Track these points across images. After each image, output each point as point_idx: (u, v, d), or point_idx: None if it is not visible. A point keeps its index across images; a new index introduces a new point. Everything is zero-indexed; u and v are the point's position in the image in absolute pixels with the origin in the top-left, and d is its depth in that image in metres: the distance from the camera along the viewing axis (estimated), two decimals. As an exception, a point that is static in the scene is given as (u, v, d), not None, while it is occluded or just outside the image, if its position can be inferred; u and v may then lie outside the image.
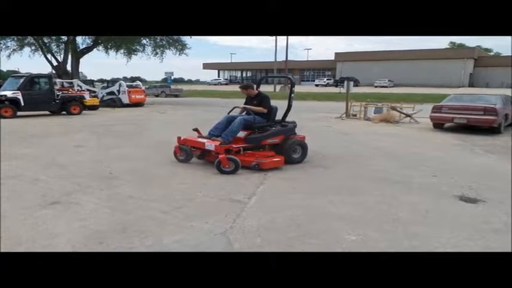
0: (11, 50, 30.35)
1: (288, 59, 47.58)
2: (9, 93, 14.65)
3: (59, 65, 30.14)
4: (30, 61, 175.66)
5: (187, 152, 6.33)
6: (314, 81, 63.91)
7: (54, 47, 31.58)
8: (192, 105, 22.01)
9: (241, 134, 6.13)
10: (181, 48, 30.67)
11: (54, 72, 30.88)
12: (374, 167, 6.33)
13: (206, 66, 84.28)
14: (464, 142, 9.17)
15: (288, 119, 6.75)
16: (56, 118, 14.69)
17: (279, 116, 6.69)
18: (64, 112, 15.94)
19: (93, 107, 18.59)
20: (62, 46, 31.03)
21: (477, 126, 10.63)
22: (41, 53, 30.30)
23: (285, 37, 47.04)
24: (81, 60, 30.03)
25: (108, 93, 22.35)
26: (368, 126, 12.50)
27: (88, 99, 18.40)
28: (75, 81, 23.97)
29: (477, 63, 56.91)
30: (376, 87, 50.07)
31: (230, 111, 6.64)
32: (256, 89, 6.81)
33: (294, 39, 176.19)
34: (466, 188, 5.00)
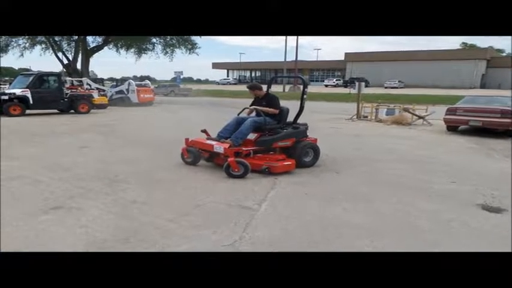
0: (23, 48, 30.49)
1: (298, 59, 47.27)
2: (18, 92, 14.64)
3: (69, 64, 30.23)
4: (42, 59, 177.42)
5: (195, 154, 6.13)
6: (323, 81, 63.54)
7: (65, 46, 31.71)
8: (201, 105, 21.87)
9: (251, 136, 5.91)
10: (191, 47, 30.58)
11: (64, 70, 31.01)
12: (388, 171, 6.08)
13: (215, 65, 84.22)
14: (480, 146, 8.86)
15: (290, 119, 6.52)
16: (63, 117, 14.63)
17: (290, 117, 6.46)
18: (72, 111, 15.89)
19: (101, 106, 18.52)
20: (73, 45, 31.13)
21: (493, 129, 10.30)
22: (51, 51, 30.45)
23: (295, 37, 46.74)
24: (93, 59, 30.14)
25: (117, 92, 22.31)
26: (380, 128, 12.21)
27: (97, 98, 18.36)
28: (85, 80, 23.95)
29: (489, 64, 56.01)
30: (386, 88, 49.59)
31: (240, 113, 6.42)
32: (267, 90, 6.57)
33: (303, 39, 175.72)
34: (488, 196, 4.73)
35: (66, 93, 16.07)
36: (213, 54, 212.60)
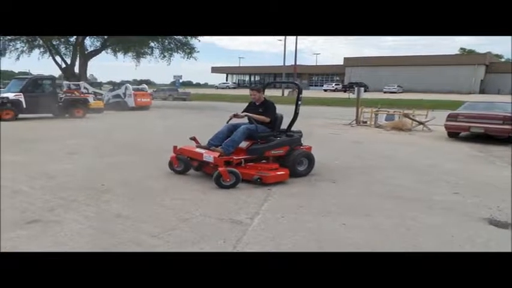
0: (20, 51, 30.26)
1: (297, 63, 47.10)
2: (11, 96, 14.39)
3: (67, 67, 30.04)
4: (42, 63, 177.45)
5: (185, 162, 5.84)
6: (322, 86, 63.43)
7: (62, 49, 31.53)
8: (198, 109, 21.64)
9: (243, 144, 5.63)
10: (190, 51, 30.39)
11: (62, 74, 30.83)
12: (388, 180, 5.82)
13: (215, 70, 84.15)
14: (483, 153, 8.62)
15: (294, 126, 6.25)
16: (57, 121, 14.36)
17: (284, 124, 6.20)
18: (67, 115, 15.62)
19: (97, 110, 18.26)
20: (70, 48, 30.94)
21: (495, 136, 10.06)
22: (49, 55, 30.22)
23: (294, 41, 46.60)
24: (93, 62, 30.00)
25: (114, 96, 22.08)
26: (379, 134, 11.97)
27: (92, 102, 18.10)
28: (82, 84, 23.75)
29: (488, 69, 55.96)
30: (385, 92, 49.48)
31: (229, 120, 6.02)
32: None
33: (302, 44, 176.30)
34: (494, 209, 4.46)
35: (61, 98, 15.81)
36: (212, 59, 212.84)
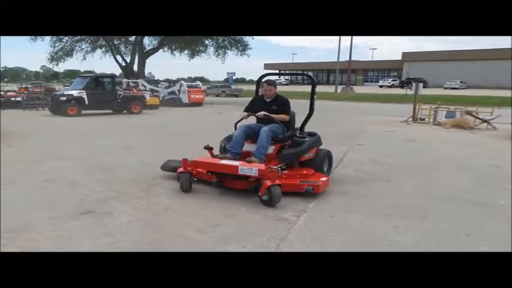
0: (85, 51, 32.16)
1: (352, 58, 45.93)
2: (75, 93, 15.32)
3: (127, 66, 31.50)
4: (104, 62, 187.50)
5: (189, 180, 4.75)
6: (378, 82, 61.42)
7: (122, 48, 33.11)
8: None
9: (270, 149, 4.89)
10: (243, 49, 30.71)
11: (122, 72, 32.38)
12: (447, 182, 5.45)
13: (267, 66, 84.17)
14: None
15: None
16: (115, 117, 15.06)
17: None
18: (125, 111, 16.34)
19: (153, 106, 18.96)
20: (130, 47, 32.39)
21: None
22: (110, 54, 31.86)
23: (350, 37, 45.50)
24: (151, 61, 31.17)
25: (170, 93, 22.81)
26: (438, 132, 11.31)
27: (149, 99, 18.83)
28: (140, 81, 24.80)
29: None
30: (445, 88, 46.87)
31: (239, 121, 5.33)
32: (257, 90, 5.56)
33: (358, 39, 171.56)
34: None
35: (120, 94, 16.58)
36: (265, 55, 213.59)
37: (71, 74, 67.56)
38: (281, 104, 5.20)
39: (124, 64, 31.96)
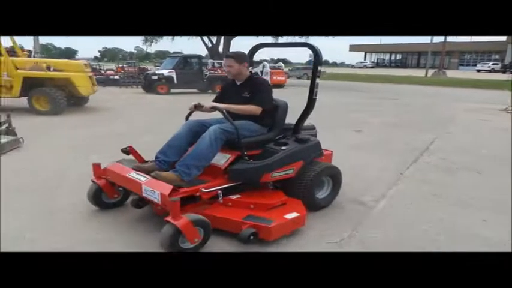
0: (173, 34, 33.82)
1: (447, 40, 42.45)
2: (165, 72, 16.27)
3: (213, 47, 32.55)
4: (191, 43, 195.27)
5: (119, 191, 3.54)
6: (476, 65, 56.24)
7: (209, 30, 34.16)
8: (331, 89, 21.30)
9: (220, 159, 3.26)
10: (326, 29, 29.95)
11: (208, 53, 33.56)
12: (550, 177, 4.91)
13: (352, 48, 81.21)
14: None
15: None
16: (201, 96, 15.69)
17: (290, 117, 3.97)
18: (210, 91, 17.00)
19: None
20: (216, 29, 33.33)
21: None
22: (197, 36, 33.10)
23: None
24: (235, 41, 31.76)
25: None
26: (544, 123, 10.13)
27: (232, 79, 19.32)
28: (224, 62, 25.39)
29: None
30: (560, 74, 41.49)
31: (189, 115, 3.63)
32: (251, 71, 3.77)
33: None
34: None
35: (206, 75, 17.25)
36: (351, 36, 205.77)
37: (161, 55, 71.66)
38: (253, 88, 3.48)
39: (210, 45, 33.06)
